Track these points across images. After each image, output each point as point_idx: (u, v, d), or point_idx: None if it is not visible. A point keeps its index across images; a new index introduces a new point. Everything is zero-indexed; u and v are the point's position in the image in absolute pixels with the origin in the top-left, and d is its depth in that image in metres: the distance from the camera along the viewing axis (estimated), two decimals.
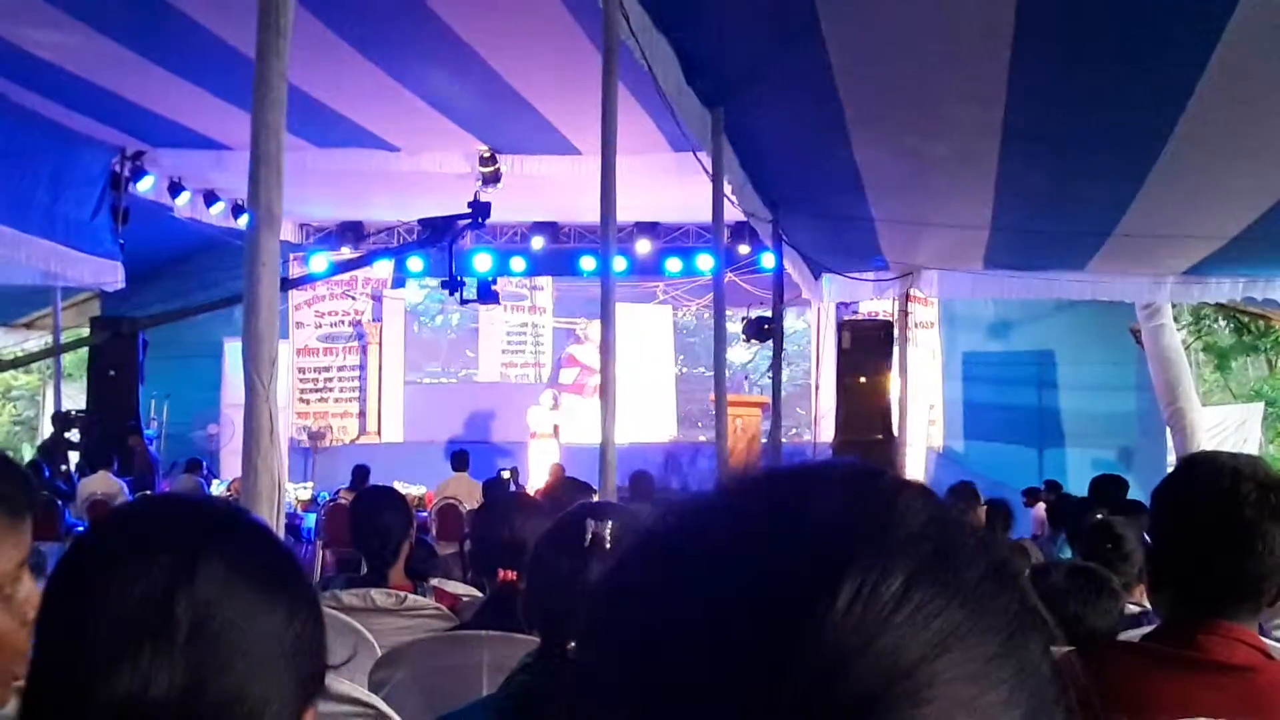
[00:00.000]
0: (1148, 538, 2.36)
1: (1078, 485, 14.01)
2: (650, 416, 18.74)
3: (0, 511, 1.61)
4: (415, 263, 18.05)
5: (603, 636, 0.65)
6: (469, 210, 9.64)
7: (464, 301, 11.95)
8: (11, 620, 1.55)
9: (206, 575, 1.15)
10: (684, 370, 19.73)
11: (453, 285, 11.22)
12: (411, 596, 4.24)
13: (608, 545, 2.25)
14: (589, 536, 2.26)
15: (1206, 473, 2.27)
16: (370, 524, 4.51)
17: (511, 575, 3.24)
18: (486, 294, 12.34)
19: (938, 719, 0.57)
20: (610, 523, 2.28)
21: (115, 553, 1.19)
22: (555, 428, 17.74)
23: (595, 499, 6.42)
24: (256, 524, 1.30)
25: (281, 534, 3.84)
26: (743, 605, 0.59)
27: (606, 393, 6.38)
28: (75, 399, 16.64)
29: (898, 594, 0.59)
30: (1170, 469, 2.50)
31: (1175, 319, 16.66)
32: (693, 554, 0.63)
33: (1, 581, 1.59)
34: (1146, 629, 2.34)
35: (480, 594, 4.48)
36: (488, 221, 9.86)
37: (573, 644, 0.70)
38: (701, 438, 18.54)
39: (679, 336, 19.74)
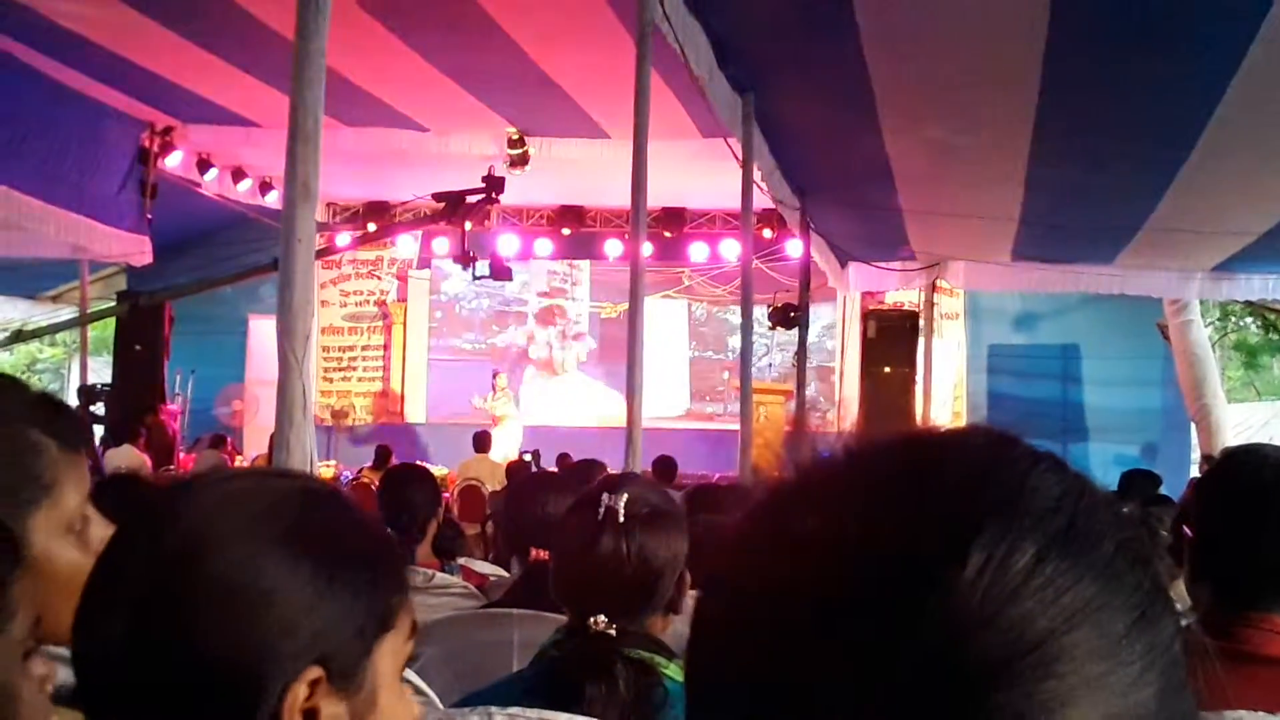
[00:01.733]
0: (1188, 530, 2.36)
1: (1101, 480, 13.95)
2: (666, 394, 18.75)
3: (63, 446, 1.58)
4: (442, 244, 18.08)
5: (730, 593, 0.65)
6: (483, 185, 9.64)
7: (476, 278, 11.96)
8: (87, 558, 1.45)
9: (191, 516, 1.14)
10: (695, 354, 19.85)
11: (465, 260, 11.24)
12: (439, 575, 4.25)
13: (621, 519, 2.27)
14: (603, 510, 2.28)
15: (1250, 465, 2.26)
16: (398, 501, 4.51)
17: (543, 554, 3.24)
18: (500, 270, 12.32)
19: (1065, 694, 0.57)
20: (625, 495, 2.29)
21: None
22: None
23: None
24: (272, 477, 1.27)
25: None
26: (870, 569, 0.59)
27: (633, 376, 6.38)
28: (101, 373, 16.71)
29: (1028, 566, 0.59)
30: (1195, 465, 2.49)
31: (1202, 315, 16.58)
32: (821, 515, 0.63)
33: (72, 518, 1.57)
34: (1190, 620, 2.33)
35: (506, 574, 4.49)
36: (516, 204, 9.87)
37: (696, 594, 0.70)
38: (709, 410, 18.96)
39: (693, 325, 19.81)
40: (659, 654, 2.25)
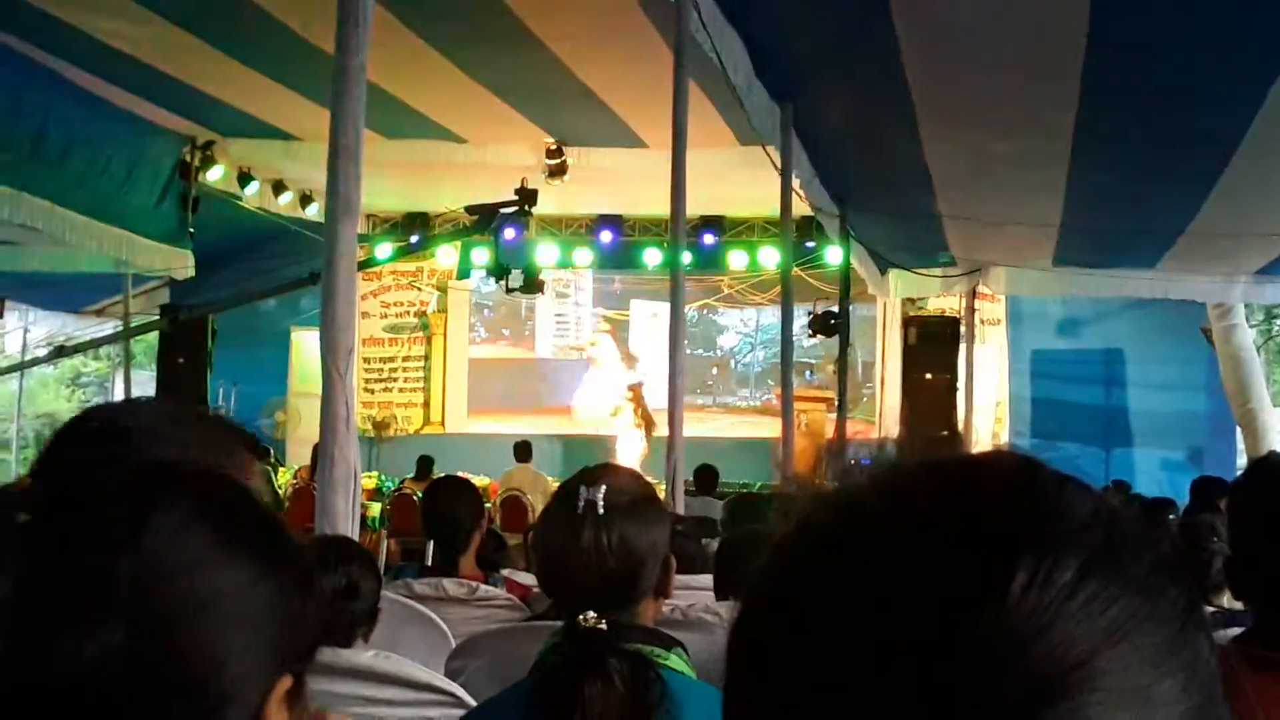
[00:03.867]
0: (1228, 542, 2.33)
1: (1146, 485, 13.87)
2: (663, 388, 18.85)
3: (250, 449, 1.67)
4: (480, 254, 18.15)
5: (774, 619, 0.66)
6: (516, 197, 9.68)
7: (509, 290, 12.00)
8: None
9: (157, 529, 1.09)
10: (688, 352, 20.14)
11: (499, 273, 11.28)
12: (483, 587, 4.26)
13: (600, 510, 2.26)
14: (581, 503, 2.27)
15: (1276, 476, 2.24)
16: (442, 513, 4.53)
17: None
18: (532, 284, 12.37)
19: (1112, 707, 0.57)
20: (603, 486, 2.28)
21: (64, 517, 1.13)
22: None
23: (660, 489, 6.42)
24: (226, 481, 1.22)
25: (356, 522, 3.87)
26: (914, 593, 0.60)
27: (674, 387, 6.38)
28: (145, 387, 16.83)
29: (1071, 582, 0.59)
30: (1240, 470, 2.47)
31: (1247, 318, 16.43)
32: (860, 541, 0.64)
33: None
34: (1236, 630, 2.31)
35: None
36: (555, 213, 9.88)
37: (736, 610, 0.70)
38: (699, 401, 19.18)
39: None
40: (656, 645, 2.24)
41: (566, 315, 20.43)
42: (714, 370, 20.14)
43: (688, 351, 19.46)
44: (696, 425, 17.50)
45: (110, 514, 1.12)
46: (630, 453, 16.61)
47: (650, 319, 18.74)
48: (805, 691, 0.61)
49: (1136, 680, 0.58)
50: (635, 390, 17.76)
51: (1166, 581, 0.63)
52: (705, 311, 19.96)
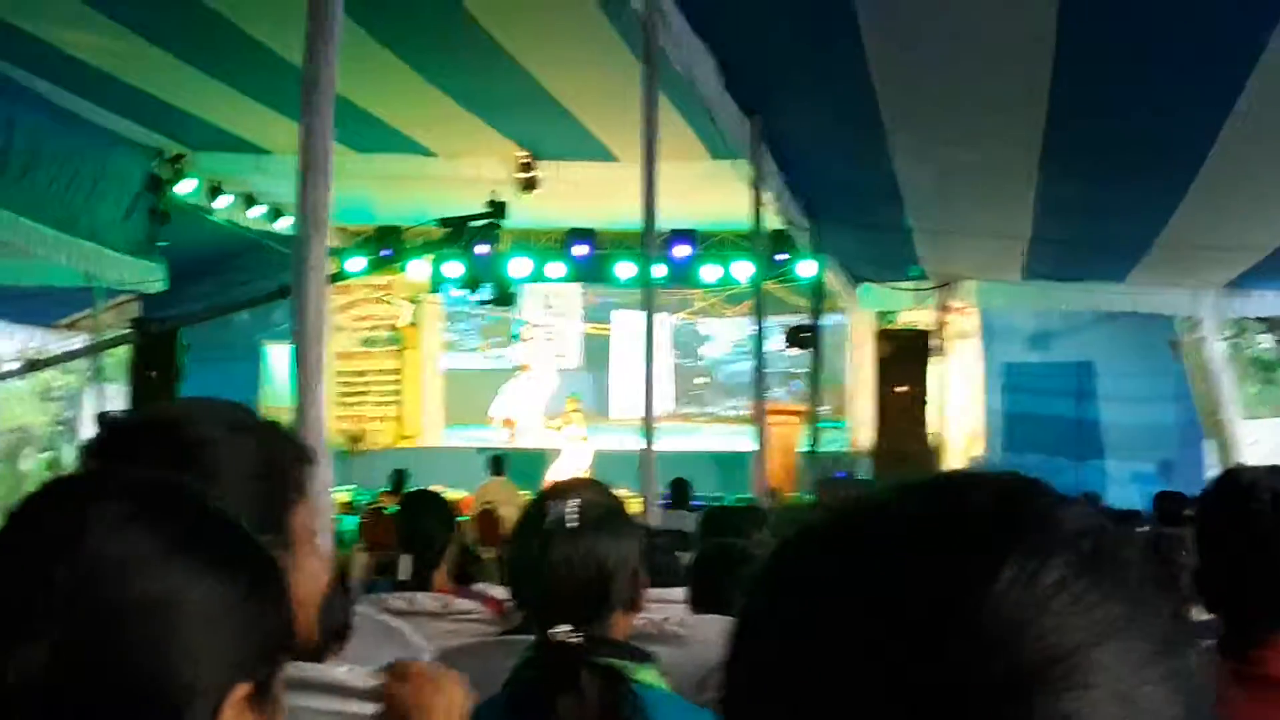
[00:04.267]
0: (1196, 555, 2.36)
1: (1116, 497, 13.91)
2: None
3: (310, 462, 1.70)
4: (452, 268, 18.13)
5: (774, 607, 0.69)
6: (488, 209, 9.69)
7: (482, 303, 12.03)
8: (324, 565, 1.62)
9: (98, 531, 1.07)
10: (676, 360, 20.57)
11: (472, 285, 11.29)
12: (457, 601, 4.25)
13: (568, 524, 2.26)
14: (551, 517, 2.28)
15: (1244, 488, 2.26)
16: (415, 528, 4.52)
17: None
18: (504, 296, 12.39)
19: (1095, 704, 0.59)
20: (571, 501, 2.29)
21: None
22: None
23: (634, 502, 6.41)
24: (178, 485, 1.20)
25: (330, 536, 3.85)
26: (907, 586, 0.63)
27: (649, 399, 6.38)
28: (116, 400, 16.71)
29: (1057, 581, 0.62)
30: (1208, 483, 2.50)
31: (1216, 331, 16.53)
32: (857, 542, 0.67)
33: (314, 524, 1.68)
34: (1207, 642, 2.33)
35: None
36: (526, 226, 9.89)
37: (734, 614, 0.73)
38: (688, 410, 20.05)
39: (670, 335, 20.30)
40: (629, 659, 2.24)
41: (553, 327, 20.44)
42: (700, 380, 20.46)
43: (675, 361, 19.80)
44: (682, 435, 18.23)
45: (52, 518, 1.11)
46: (574, 466, 16.68)
47: (632, 331, 18.85)
48: (807, 678, 0.64)
49: (1121, 682, 0.60)
50: (575, 402, 17.97)
51: (1154, 593, 0.65)
52: (686, 321, 20.18)
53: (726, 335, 20.37)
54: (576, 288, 19.84)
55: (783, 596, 0.69)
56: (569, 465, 17.06)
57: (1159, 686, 0.61)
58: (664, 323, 19.56)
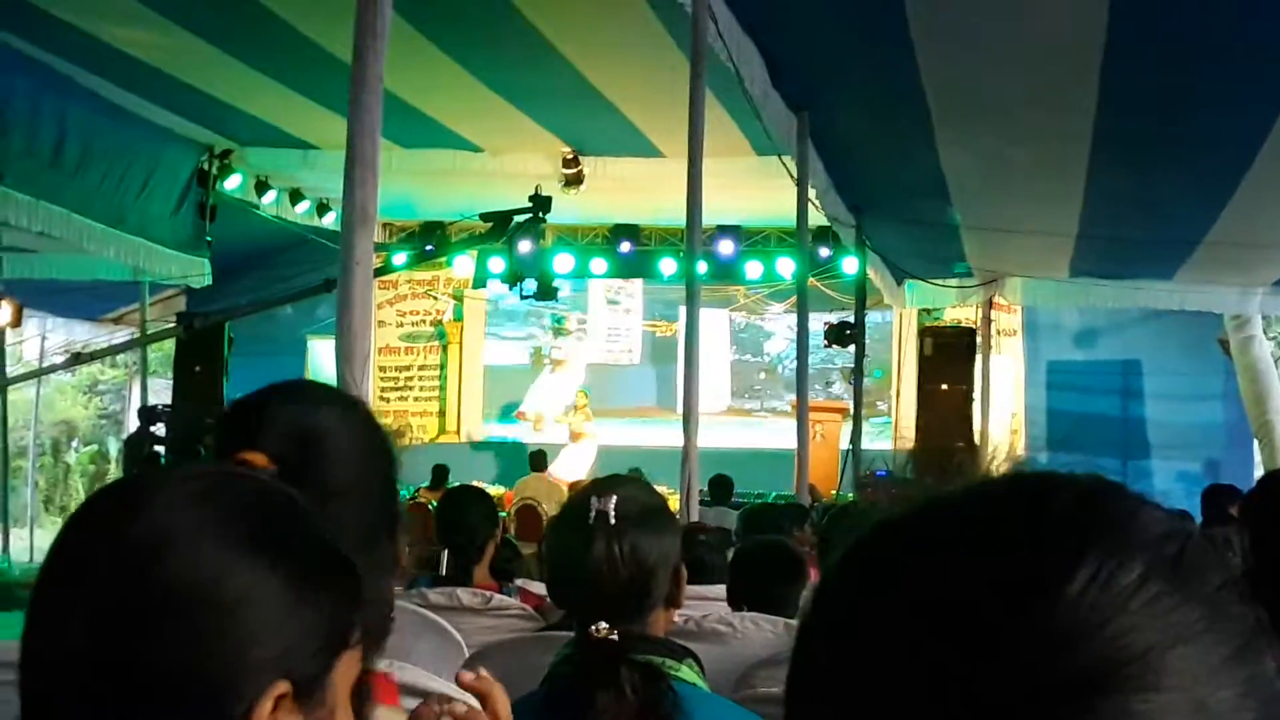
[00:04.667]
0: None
1: (1162, 497, 13.74)
2: (710, 392, 18.97)
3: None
4: (495, 263, 18.18)
5: (849, 601, 0.69)
6: (530, 204, 9.68)
7: (524, 297, 12.05)
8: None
9: (142, 517, 1.08)
10: (735, 357, 20.41)
11: (514, 281, 11.30)
12: (497, 596, 4.26)
13: (611, 521, 2.25)
14: (593, 514, 2.26)
15: None
16: (456, 522, 4.53)
17: None
18: (546, 291, 12.41)
19: (1165, 708, 0.59)
20: (614, 497, 2.28)
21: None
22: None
23: (674, 499, 6.42)
24: (239, 476, 1.21)
25: None
26: (984, 583, 0.63)
27: (690, 398, 6.37)
28: (161, 394, 16.84)
29: (1135, 583, 0.62)
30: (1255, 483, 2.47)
31: (1265, 330, 16.38)
32: (937, 541, 0.67)
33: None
34: None
35: None
36: (571, 222, 9.88)
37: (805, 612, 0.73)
38: (747, 405, 19.76)
39: (733, 331, 20.26)
40: (668, 656, 2.24)
41: (618, 325, 20.43)
42: (761, 375, 20.28)
43: (735, 357, 19.80)
44: (738, 429, 18.49)
45: (108, 503, 1.13)
46: (580, 461, 16.66)
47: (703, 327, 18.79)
48: (879, 677, 0.64)
49: (1194, 687, 0.60)
50: (584, 396, 17.99)
51: (1233, 599, 0.65)
52: (754, 319, 20.06)
53: (787, 331, 20.31)
54: (639, 283, 19.74)
55: (858, 595, 0.69)
56: (571, 461, 17.01)
57: (1233, 690, 0.61)
58: (722, 318, 19.60)
